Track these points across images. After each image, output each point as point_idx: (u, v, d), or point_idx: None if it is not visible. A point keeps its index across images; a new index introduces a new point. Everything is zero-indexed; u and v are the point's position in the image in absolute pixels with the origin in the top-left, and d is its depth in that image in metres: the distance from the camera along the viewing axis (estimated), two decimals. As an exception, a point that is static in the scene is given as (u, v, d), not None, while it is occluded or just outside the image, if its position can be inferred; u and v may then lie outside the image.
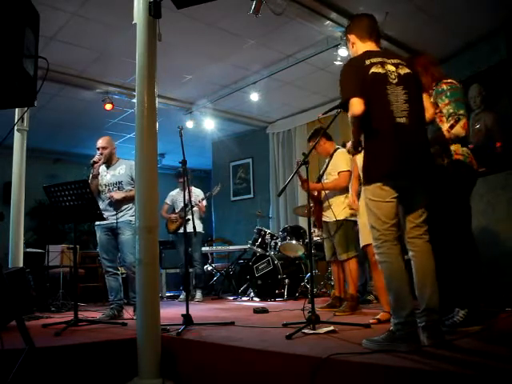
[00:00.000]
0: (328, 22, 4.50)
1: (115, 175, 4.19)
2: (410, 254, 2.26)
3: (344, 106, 2.26)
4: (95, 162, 4.11)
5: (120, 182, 4.15)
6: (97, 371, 2.55)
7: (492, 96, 4.77)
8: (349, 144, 2.60)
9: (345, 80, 2.28)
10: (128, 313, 3.93)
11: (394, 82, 2.22)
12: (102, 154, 4.18)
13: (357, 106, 2.16)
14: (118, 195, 4.08)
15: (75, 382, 2.46)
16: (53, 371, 2.38)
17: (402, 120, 2.18)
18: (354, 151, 2.48)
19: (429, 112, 2.36)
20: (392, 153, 2.19)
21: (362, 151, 2.39)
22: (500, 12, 4.40)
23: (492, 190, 4.62)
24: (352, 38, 2.46)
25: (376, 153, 2.25)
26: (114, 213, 4.08)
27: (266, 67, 5.63)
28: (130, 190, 4.09)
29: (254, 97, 6.14)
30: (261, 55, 5.30)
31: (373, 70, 2.22)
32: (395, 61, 2.30)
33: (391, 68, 2.25)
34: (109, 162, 4.26)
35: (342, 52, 4.77)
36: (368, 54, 2.30)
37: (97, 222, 4.13)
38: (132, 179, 4.13)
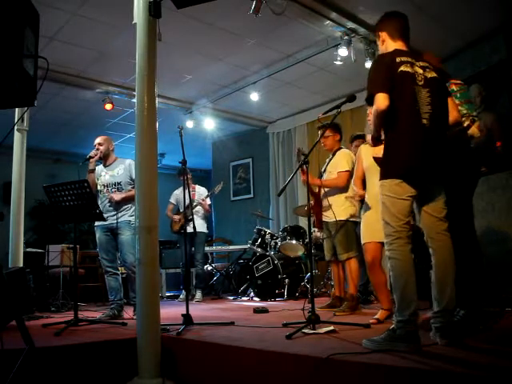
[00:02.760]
0: (328, 21, 4.50)
1: (114, 176, 4.19)
2: (432, 251, 2.26)
3: (369, 100, 2.28)
4: (91, 157, 4.13)
5: (119, 183, 4.15)
6: (97, 371, 2.55)
7: (492, 96, 4.76)
8: (369, 137, 2.60)
9: (373, 74, 2.29)
10: (127, 313, 3.93)
11: (421, 83, 2.25)
12: (98, 149, 4.20)
13: (382, 101, 2.18)
14: (117, 196, 4.07)
15: (75, 382, 2.47)
16: (53, 371, 2.38)
17: (424, 121, 2.22)
18: (373, 144, 2.49)
19: (452, 115, 2.36)
20: (413, 151, 2.21)
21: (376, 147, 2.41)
22: (500, 12, 4.40)
23: (492, 189, 4.62)
24: (383, 35, 2.46)
25: (397, 149, 2.26)
26: (114, 213, 4.08)
27: (266, 67, 5.63)
28: (130, 190, 4.09)
29: (254, 97, 6.15)
30: (261, 55, 5.30)
31: (402, 68, 2.24)
32: (423, 64, 2.33)
33: (419, 70, 2.28)
34: (106, 161, 4.27)
35: (342, 52, 4.77)
36: (398, 52, 2.33)
37: (96, 223, 4.13)
38: (131, 179, 4.14)
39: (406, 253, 2.19)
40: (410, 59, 2.29)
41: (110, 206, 4.12)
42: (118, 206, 4.09)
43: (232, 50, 5.14)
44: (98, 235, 4.16)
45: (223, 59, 5.38)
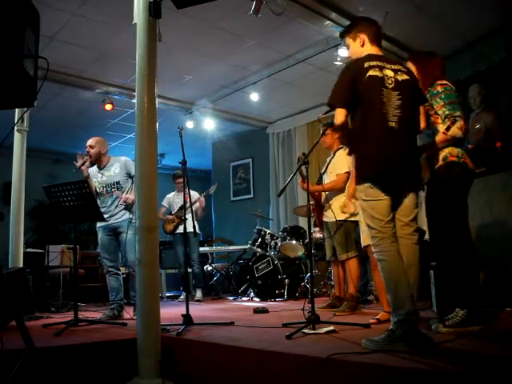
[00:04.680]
0: (328, 22, 4.50)
1: (111, 176, 4.14)
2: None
3: (330, 107, 2.41)
4: (82, 164, 4.03)
5: (118, 182, 4.11)
6: (97, 371, 2.55)
7: (492, 96, 4.76)
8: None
9: (338, 84, 2.37)
10: (127, 313, 3.93)
11: (390, 86, 2.29)
12: (88, 152, 4.12)
13: (339, 116, 2.31)
14: (132, 197, 3.94)
15: (75, 382, 2.46)
16: (53, 371, 2.38)
17: (393, 124, 2.25)
18: (349, 153, 2.59)
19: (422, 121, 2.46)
20: (380, 155, 2.26)
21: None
22: (500, 12, 4.40)
23: (492, 189, 4.62)
24: (363, 37, 2.50)
25: (365, 153, 2.31)
26: (116, 212, 4.08)
27: (266, 67, 5.63)
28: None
29: (254, 97, 6.15)
30: (261, 55, 5.30)
31: (370, 72, 2.29)
32: (395, 67, 2.37)
33: (389, 73, 2.32)
34: (99, 163, 4.18)
35: (342, 52, 4.76)
36: (369, 57, 2.38)
37: (98, 224, 4.12)
38: (128, 175, 4.10)
39: (394, 253, 2.21)
40: (380, 63, 2.33)
41: (114, 207, 4.09)
42: (131, 206, 4.00)
43: (232, 50, 5.14)
44: (100, 236, 4.15)
45: (223, 59, 5.38)
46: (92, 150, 4.12)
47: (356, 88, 2.29)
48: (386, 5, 4.21)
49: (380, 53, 2.49)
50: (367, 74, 2.29)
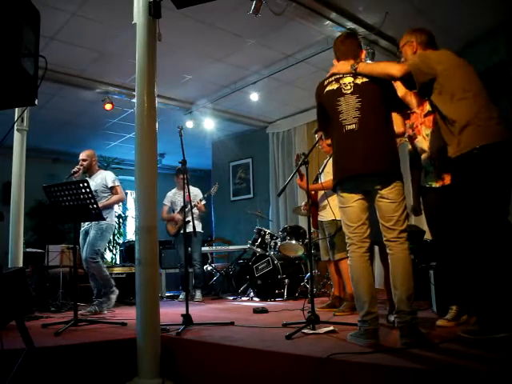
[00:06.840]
0: (328, 22, 4.50)
1: (93, 185, 4.53)
2: (388, 256, 2.37)
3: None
4: (75, 172, 4.58)
5: (95, 191, 4.45)
6: (97, 371, 2.55)
7: (491, 96, 4.75)
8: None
9: (317, 110, 2.61)
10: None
11: (349, 92, 2.40)
12: (81, 165, 4.66)
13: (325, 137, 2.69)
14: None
15: (75, 382, 2.46)
16: (53, 371, 2.38)
17: (352, 126, 2.34)
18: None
19: (396, 126, 2.52)
20: (341, 161, 2.40)
21: None
22: (499, 13, 4.40)
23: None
24: (334, 61, 2.65)
25: (333, 163, 2.47)
26: None
27: (266, 67, 5.63)
28: (108, 199, 4.56)
29: (254, 97, 6.15)
30: (261, 55, 5.30)
31: (327, 88, 2.47)
32: None
33: (347, 80, 2.43)
34: (89, 172, 4.73)
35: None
36: (330, 75, 2.52)
37: (81, 228, 4.58)
38: (106, 187, 4.61)
39: (357, 258, 2.37)
40: (339, 75, 2.46)
41: None
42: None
43: (232, 49, 5.14)
44: (79, 239, 4.55)
45: (223, 59, 5.38)
46: (85, 163, 4.69)
47: (323, 106, 2.50)
48: (386, 5, 4.21)
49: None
50: (325, 91, 2.47)
